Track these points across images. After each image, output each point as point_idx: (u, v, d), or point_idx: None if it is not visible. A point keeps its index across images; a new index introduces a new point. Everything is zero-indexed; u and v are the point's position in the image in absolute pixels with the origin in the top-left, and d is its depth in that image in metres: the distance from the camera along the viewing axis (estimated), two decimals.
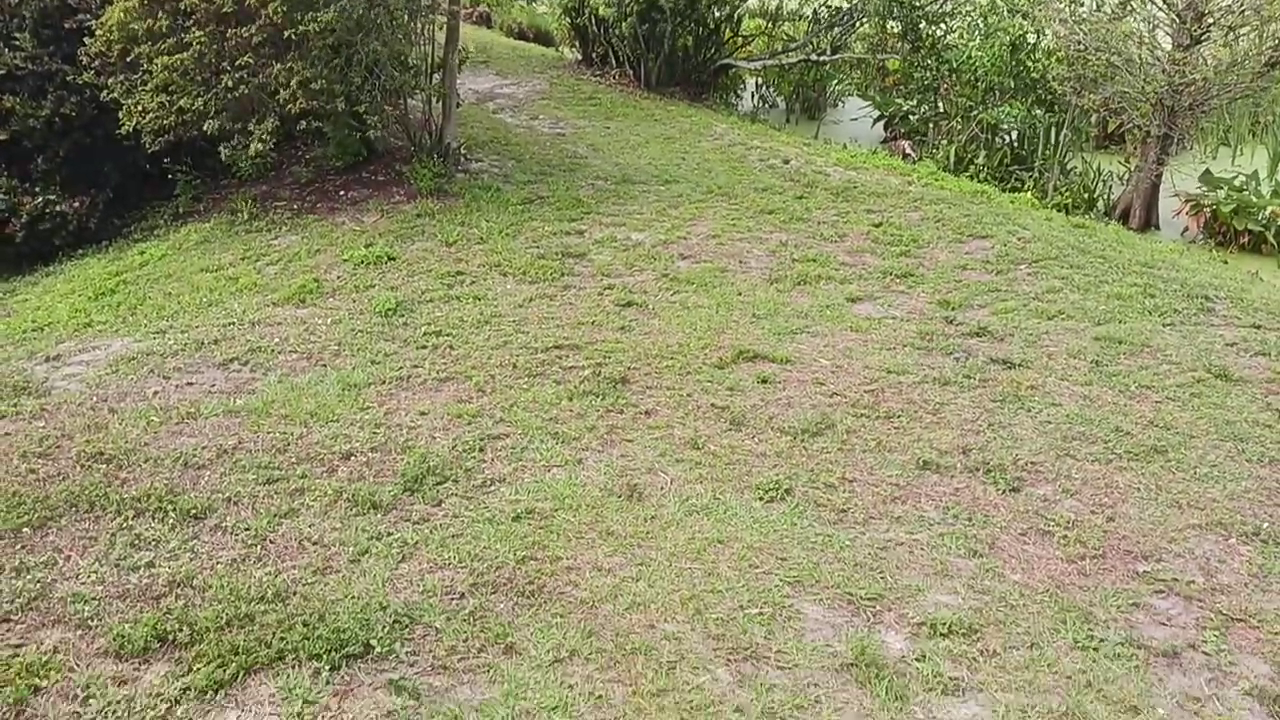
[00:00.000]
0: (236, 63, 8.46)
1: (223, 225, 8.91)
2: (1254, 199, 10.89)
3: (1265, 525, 4.27)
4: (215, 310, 6.79)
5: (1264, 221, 10.71)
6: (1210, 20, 10.89)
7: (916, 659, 3.48)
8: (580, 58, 16.87)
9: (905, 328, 6.52)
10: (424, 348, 6.01)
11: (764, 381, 5.69)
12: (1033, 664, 3.46)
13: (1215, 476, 4.68)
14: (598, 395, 5.43)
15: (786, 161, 11.06)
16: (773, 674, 3.39)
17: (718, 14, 15.35)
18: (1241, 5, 10.71)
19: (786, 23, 16.73)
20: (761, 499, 4.50)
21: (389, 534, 4.12)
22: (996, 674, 3.41)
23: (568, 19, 16.48)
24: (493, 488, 4.49)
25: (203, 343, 6.08)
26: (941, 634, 3.59)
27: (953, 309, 6.79)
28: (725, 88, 16.27)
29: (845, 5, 14.79)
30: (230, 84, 8.47)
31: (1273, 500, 4.49)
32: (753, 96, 16.88)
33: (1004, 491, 4.56)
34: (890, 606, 3.77)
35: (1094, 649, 3.54)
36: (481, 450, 4.80)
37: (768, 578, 3.91)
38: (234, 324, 6.43)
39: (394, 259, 7.60)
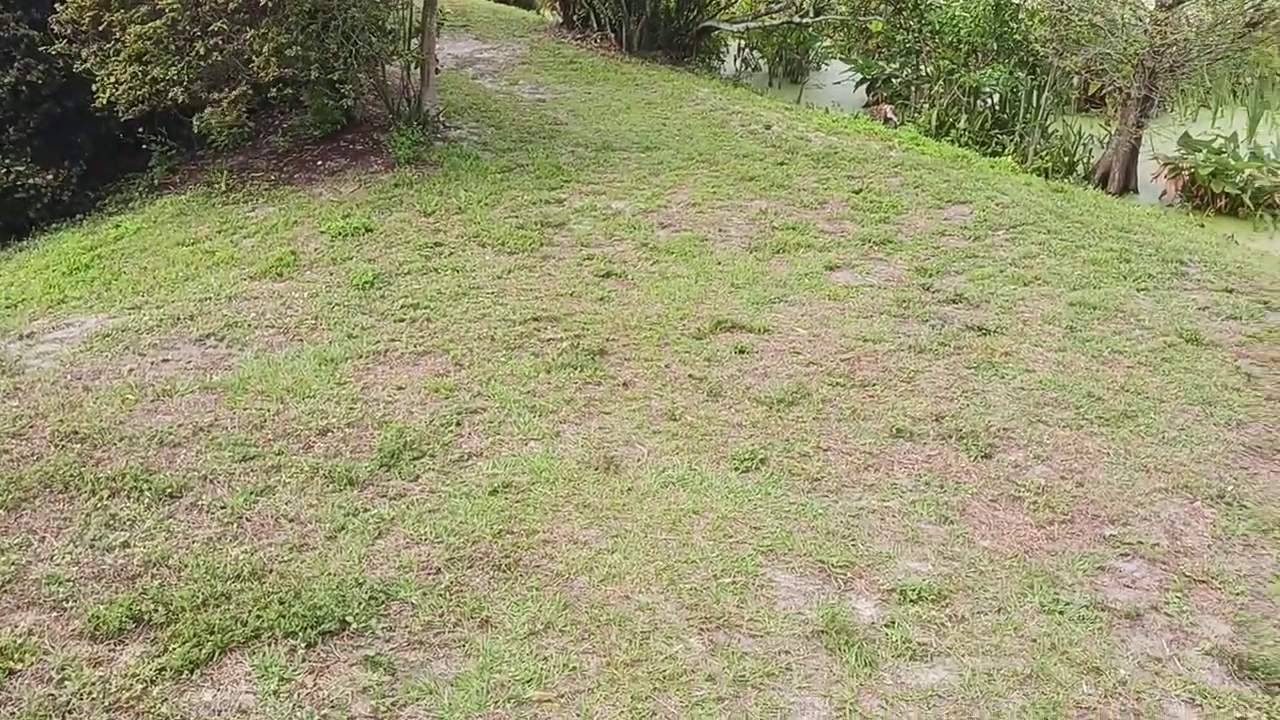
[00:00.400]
0: (210, 29, 8.34)
1: (199, 197, 8.83)
2: (1232, 162, 10.92)
3: (1229, 488, 4.34)
4: (191, 285, 6.75)
5: (1241, 184, 10.74)
6: None
7: (886, 625, 3.54)
8: (561, 21, 16.67)
9: (882, 295, 6.54)
10: (401, 321, 6.01)
11: (741, 352, 5.71)
12: (1000, 628, 3.53)
13: (1183, 440, 4.74)
14: (576, 367, 5.45)
15: (768, 127, 11.00)
16: (745, 642, 3.45)
17: None
18: None
19: None
20: (737, 469, 4.55)
21: (366, 510, 4.14)
22: (964, 639, 3.48)
23: None
24: (470, 462, 4.52)
25: (178, 318, 6.06)
26: (911, 600, 3.65)
27: (930, 276, 6.82)
28: (708, 51, 16.13)
29: None
30: (203, 51, 8.35)
31: (1238, 463, 4.56)
32: (735, 59, 16.74)
33: (976, 458, 4.62)
34: (861, 574, 3.82)
35: (1060, 612, 3.61)
36: (459, 424, 4.82)
37: (741, 547, 3.96)
38: (210, 299, 6.41)
39: (371, 230, 7.56)
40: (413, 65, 9.89)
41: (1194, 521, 4.17)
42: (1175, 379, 5.34)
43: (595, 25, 15.49)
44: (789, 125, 11.21)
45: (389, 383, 5.25)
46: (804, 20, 14.67)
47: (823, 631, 3.49)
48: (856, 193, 8.61)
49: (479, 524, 4.04)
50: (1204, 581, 3.80)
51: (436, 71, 10.53)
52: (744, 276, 6.84)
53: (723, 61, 16.52)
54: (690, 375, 5.44)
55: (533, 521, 4.08)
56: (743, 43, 16.35)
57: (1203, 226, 10.01)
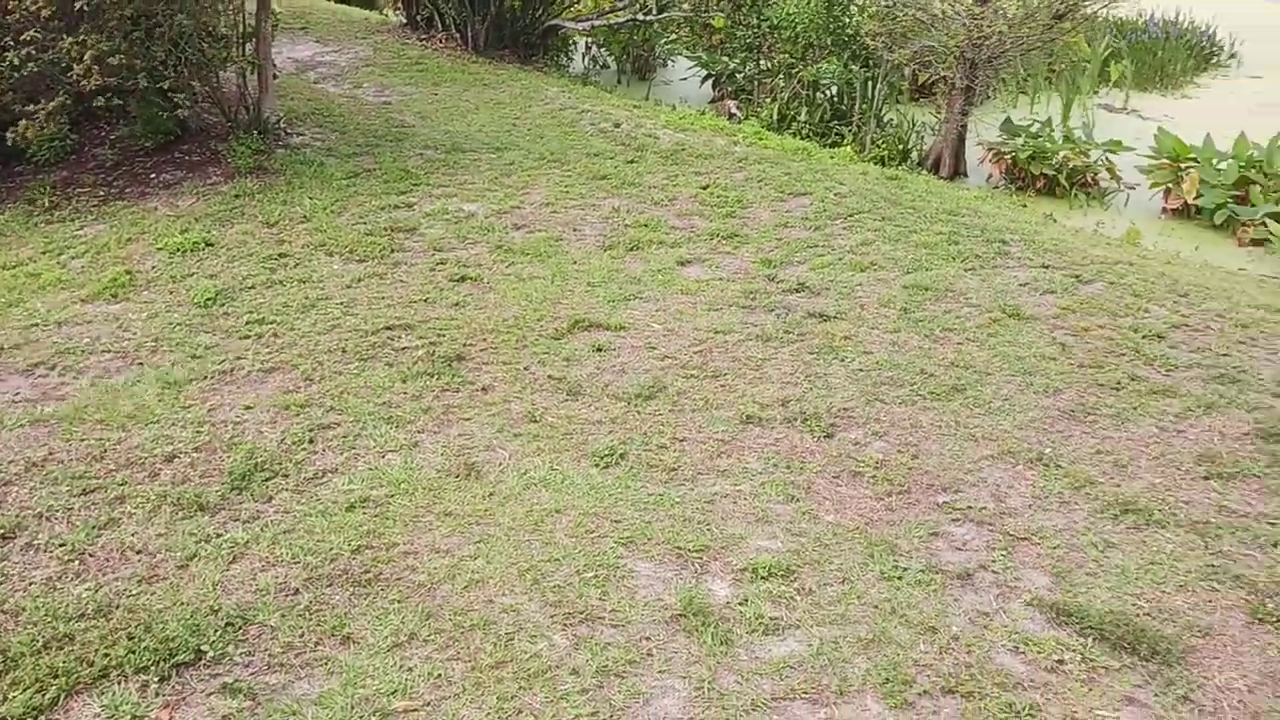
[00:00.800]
0: (21, 38, 7.85)
1: (19, 217, 8.29)
2: (1048, 145, 11.75)
3: (1047, 450, 4.74)
4: (15, 311, 6.37)
5: (1057, 166, 11.59)
6: None
7: (740, 603, 3.72)
8: (405, 21, 16.39)
9: (731, 288, 6.78)
10: (247, 338, 5.84)
11: (599, 349, 5.83)
12: (844, 598, 3.76)
13: (1007, 409, 5.14)
14: (432, 375, 5.44)
15: (618, 125, 11.16)
16: (607, 633, 3.56)
17: None
18: None
19: None
20: (598, 466, 4.66)
21: (218, 535, 4.05)
22: (812, 610, 3.69)
23: None
24: (325, 479, 4.47)
25: (2, 348, 5.72)
26: (762, 577, 3.85)
27: (774, 267, 7.10)
28: (556, 49, 16.17)
29: None
30: (16, 62, 7.86)
31: (1054, 427, 4.98)
32: (584, 57, 16.85)
33: (820, 438, 4.88)
34: (716, 556, 4.00)
35: (898, 578, 3.87)
36: (312, 441, 4.76)
37: (603, 541, 4.08)
38: (38, 325, 6.07)
39: (212, 244, 7.30)
40: (248, 71, 9.56)
41: (1016, 484, 4.53)
42: (999, 352, 5.76)
43: (440, 25, 15.31)
44: (638, 123, 11.40)
45: (237, 403, 5.12)
46: (648, 18, 14.91)
47: (681, 615, 3.64)
48: (704, 188, 8.86)
49: (337, 541, 4.01)
50: (1026, 539, 4.15)
51: (275, 77, 10.21)
52: (599, 275, 6.96)
53: (571, 59, 16.60)
54: (550, 376, 5.51)
55: (393, 534, 4.08)
56: (590, 41, 16.47)
57: (1025, 207, 10.76)
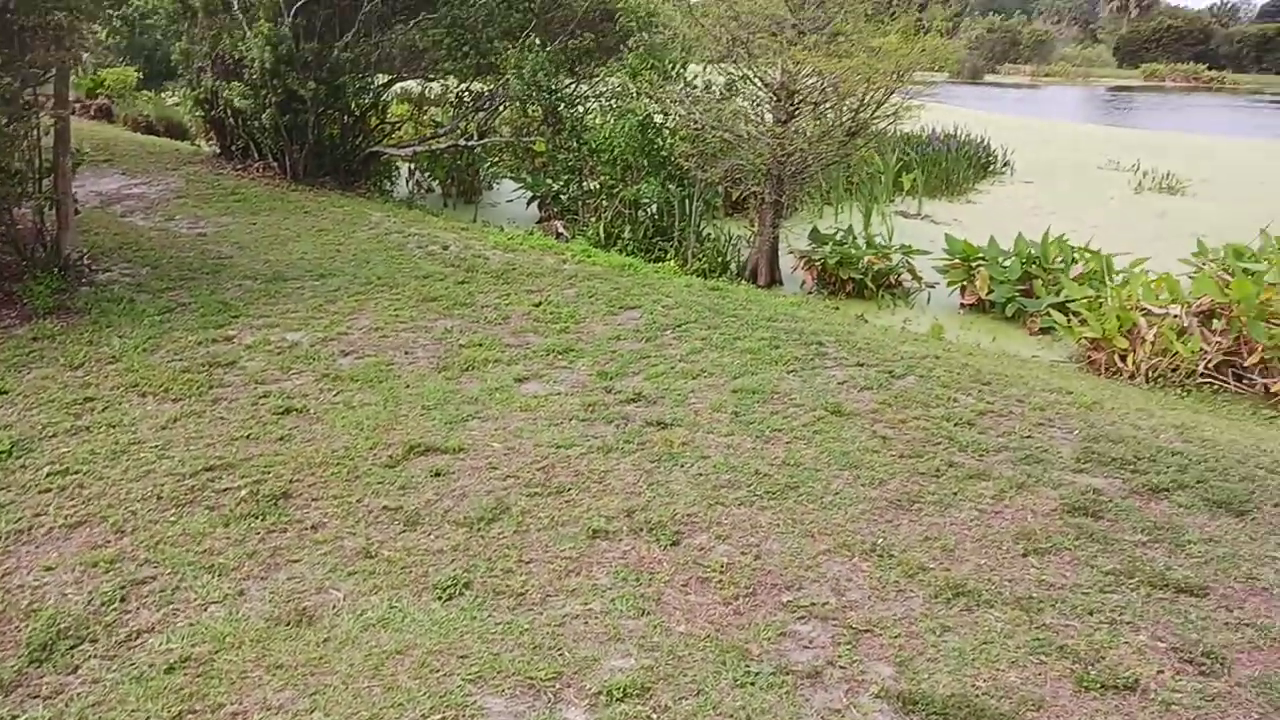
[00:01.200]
0: None
1: None
2: (853, 251, 12.62)
3: (879, 541, 4.94)
4: None
5: (863, 270, 12.43)
6: (800, 98, 12.58)
7: None
8: (219, 151, 16.08)
9: (570, 402, 6.82)
10: (48, 491, 5.37)
11: (438, 474, 5.69)
12: (700, 710, 3.73)
13: (839, 503, 5.34)
14: (257, 516, 5.14)
15: (446, 247, 11.21)
16: None
17: (363, 101, 15.33)
18: (822, 84, 12.47)
19: (433, 108, 17.05)
20: (440, 598, 4.49)
21: (14, 718, 3.61)
22: None
23: (201, 111, 15.66)
24: (140, 640, 4.09)
25: None
26: (618, 699, 3.77)
27: (611, 378, 7.22)
28: (379, 175, 16.22)
29: (486, 90, 15.36)
30: None
31: (884, 518, 5.20)
32: (408, 182, 16.97)
33: (666, 547, 4.90)
34: (570, 682, 3.89)
35: (751, 683, 3.88)
36: (124, 599, 4.37)
37: (449, 680, 3.90)
38: None
39: (7, 392, 6.73)
40: (46, 207, 9.06)
41: (854, 576, 4.68)
42: (826, 449, 6.02)
43: (256, 154, 15.09)
44: (466, 244, 11.50)
45: (36, 564, 4.66)
46: (470, 144, 15.22)
47: None
48: (537, 305, 8.97)
49: (154, 709, 3.66)
50: (868, 630, 4.26)
51: (77, 212, 9.72)
52: (434, 397, 6.85)
53: (395, 184, 16.68)
54: (385, 506, 5.32)
55: (218, 695, 3.76)
56: (413, 166, 16.62)
57: (837, 309, 11.43)
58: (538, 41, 14.20)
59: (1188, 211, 19.42)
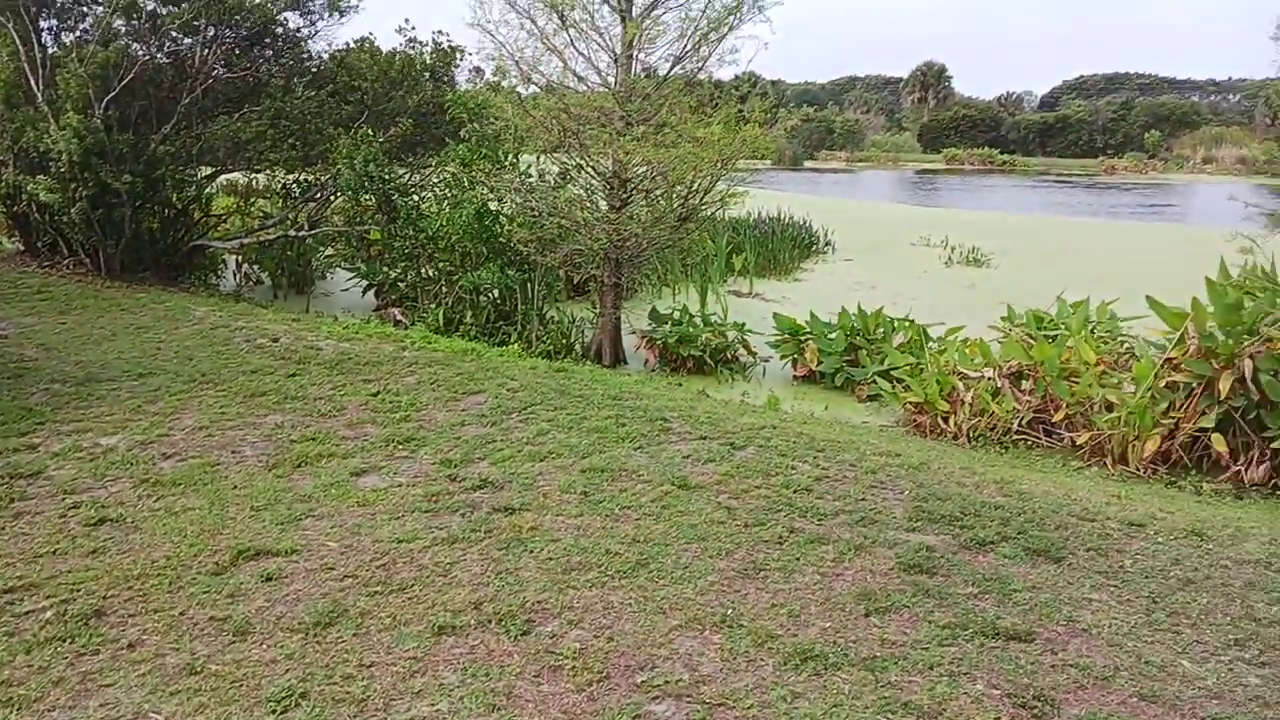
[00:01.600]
0: None
1: None
2: (691, 330, 12.98)
3: (729, 612, 4.97)
4: None
5: (702, 347, 12.79)
6: (632, 185, 12.98)
7: None
8: (23, 248, 15.05)
9: (412, 493, 6.61)
10: None
11: (269, 579, 5.36)
12: None
13: (689, 577, 5.36)
14: (65, 639, 4.68)
15: (276, 340, 10.80)
16: None
17: (185, 194, 14.75)
18: (653, 172, 12.93)
19: (260, 199, 16.60)
20: (274, 711, 4.18)
21: None
22: None
23: (2, 207, 14.66)
24: None
25: None
26: None
27: (455, 466, 7.06)
28: (204, 268, 15.58)
29: (316, 180, 15.11)
30: None
31: (732, 588, 5.25)
32: (235, 275, 16.36)
33: (516, 637, 4.76)
34: None
35: None
36: None
37: None
38: None
39: None
40: None
41: (706, 650, 4.68)
42: (674, 523, 6.06)
43: (66, 250, 14.22)
44: (298, 336, 11.12)
45: None
46: (301, 234, 14.86)
47: None
48: (375, 395, 8.73)
49: None
50: (721, 704, 4.25)
51: None
52: (265, 497, 6.50)
53: (221, 277, 16.05)
54: (211, 617, 4.95)
55: None
56: (240, 258, 16.06)
57: (680, 385, 11.67)
58: (369, 132, 14.13)
59: (993, 282, 21.06)
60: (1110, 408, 9.90)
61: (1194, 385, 9.78)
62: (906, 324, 13.00)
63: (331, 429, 7.88)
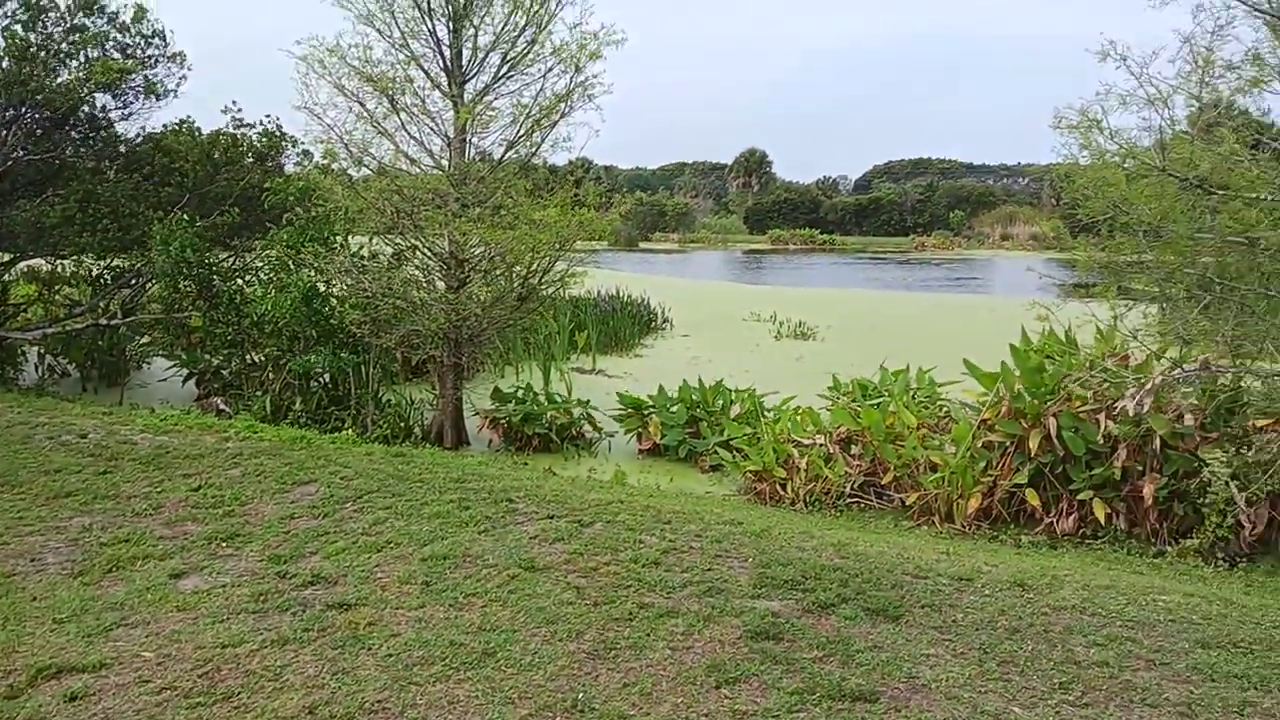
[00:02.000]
0: None
1: None
2: (536, 408, 12.91)
3: (580, 695, 4.85)
4: None
5: (547, 425, 12.72)
6: (470, 265, 12.92)
7: None
8: None
9: (238, 593, 6.18)
10: None
11: (73, 699, 4.84)
12: None
13: (537, 663, 5.21)
14: None
15: (84, 435, 10.01)
16: None
17: None
18: (491, 252, 12.92)
19: (67, 286, 15.53)
20: None
21: None
22: None
23: None
24: None
25: None
26: None
27: (285, 562, 6.66)
28: (1, 361, 14.31)
29: (131, 266, 14.28)
30: None
31: (583, 670, 5.14)
32: (37, 368, 15.12)
33: None
34: None
35: None
36: None
37: None
38: None
39: None
40: None
41: None
42: (522, 607, 5.90)
43: None
44: (110, 430, 10.34)
45: None
46: (113, 322, 13.94)
47: None
48: (195, 490, 8.19)
49: None
50: None
51: None
52: (70, 607, 5.92)
53: (21, 371, 14.79)
54: None
55: None
56: (43, 350, 14.88)
57: (526, 464, 11.53)
58: (185, 217, 13.53)
59: (820, 353, 22.07)
60: (934, 468, 10.46)
61: (1007, 444, 10.48)
62: (743, 395, 13.38)
63: (147, 529, 7.32)
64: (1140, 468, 9.94)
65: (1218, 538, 9.29)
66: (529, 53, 12.32)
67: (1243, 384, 9.88)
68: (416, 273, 13.18)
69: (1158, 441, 9.75)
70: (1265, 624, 6.10)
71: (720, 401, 13.19)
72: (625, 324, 23.31)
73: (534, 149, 12.90)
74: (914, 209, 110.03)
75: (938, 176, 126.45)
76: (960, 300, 40.44)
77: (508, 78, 12.52)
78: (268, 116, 16.07)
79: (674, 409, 12.97)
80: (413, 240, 12.92)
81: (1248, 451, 9.43)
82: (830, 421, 11.70)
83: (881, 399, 12.21)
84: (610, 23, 12.06)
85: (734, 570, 6.62)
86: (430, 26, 12.21)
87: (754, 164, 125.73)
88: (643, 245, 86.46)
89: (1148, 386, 9.60)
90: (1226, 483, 9.31)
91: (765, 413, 12.74)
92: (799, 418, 12.01)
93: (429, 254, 12.95)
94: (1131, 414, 9.70)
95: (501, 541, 7.06)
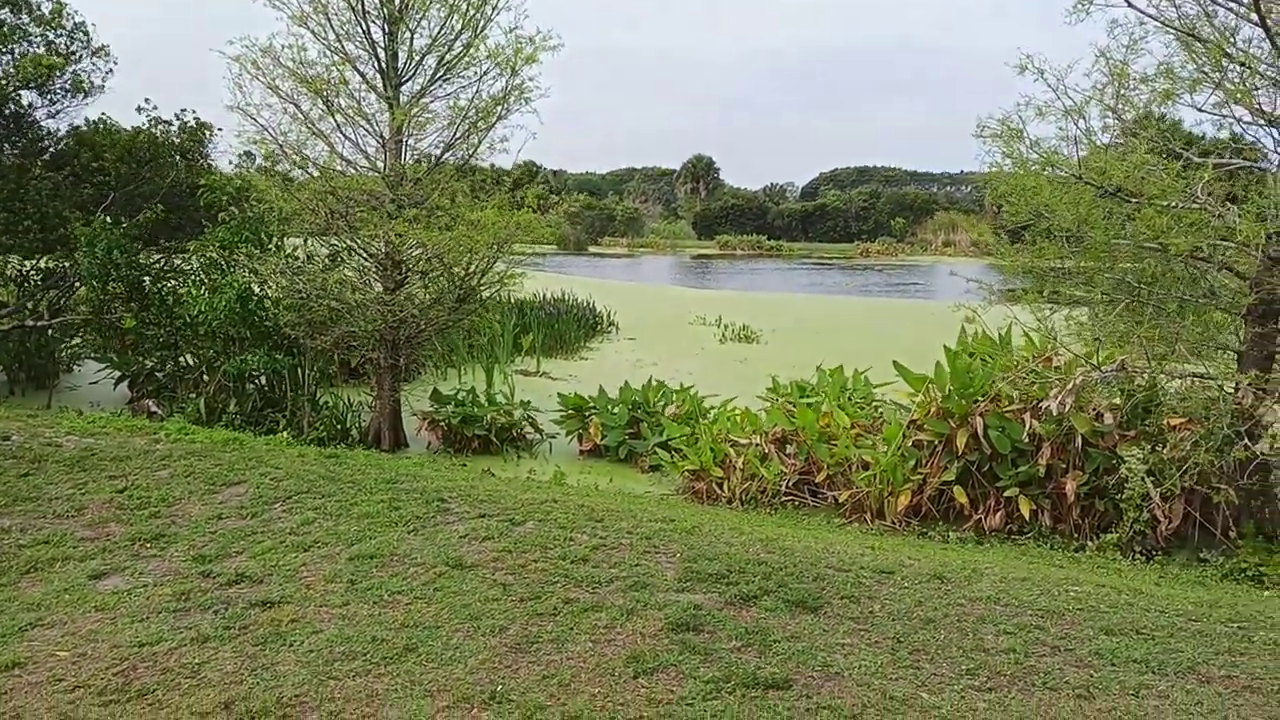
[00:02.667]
0: None
1: None
2: (476, 410, 12.90)
3: (499, 688, 4.90)
4: None
5: (488, 426, 12.72)
6: (407, 267, 12.87)
7: None
8: None
9: (159, 593, 6.12)
10: None
11: None
12: None
13: (459, 657, 5.24)
14: None
15: (6, 438, 9.79)
16: None
17: None
18: (428, 254, 12.89)
19: None
20: None
21: None
22: None
23: None
24: None
25: None
26: None
27: (209, 562, 6.61)
28: None
29: (58, 267, 13.98)
30: None
31: (503, 663, 5.19)
32: None
33: None
34: None
35: None
36: None
37: None
38: None
39: None
40: None
41: None
42: (447, 604, 5.92)
43: None
44: (34, 433, 10.12)
45: None
46: (40, 324, 13.64)
47: None
48: (121, 491, 8.06)
49: None
50: None
51: None
52: None
53: None
54: None
55: None
56: None
57: (465, 466, 11.52)
58: (107, 220, 13.28)
59: (763, 356, 22.32)
60: (866, 467, 10.67)
61: (936, 443, 10.74)
62: (683, 395, 13.51)
63: (68, 530, 7.20)
64: (1064, 465, 10.25)
65: (1135, 532, 9.61)
66: (465, 56, 12.33)
67: (1158, 384, 10.25)
68: (352, 274, 13.09)
69: (1079, 440, 10.08)
70: (1170, 612, 6.35)
71: (662, 402, 13.31)
72: (570, 327, 23.34)
73: (471, 151, 12.90)
74: (859, 216, 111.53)
75: (882, 184, 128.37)
76: (901, 305, 41.14)
77: (444, 80, 12.52)
78: (184, 110, 15.83)
79: (615, 410, 13.05)
80: (348, 241, 12.84)
81: (1163, 449, 9.78)
82: (765, 421, 11.87)
83: (817, 399, 12.42)
84: (548, 28, 12.15)
85: (661, 565, 6.70)
86: (365, 28, 12.17)
87: (701, 170, 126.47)
88: (592, 249, 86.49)
89: (1069, 387, 9.92)
90: (1142, 479, 9.65)
91: (705, 413, 12.88)
92: (738, 418, 12.17)
93: (365, 255, 12.87)
94: (1054, 413, 10.01)
95: (431, 540, 7.06)
